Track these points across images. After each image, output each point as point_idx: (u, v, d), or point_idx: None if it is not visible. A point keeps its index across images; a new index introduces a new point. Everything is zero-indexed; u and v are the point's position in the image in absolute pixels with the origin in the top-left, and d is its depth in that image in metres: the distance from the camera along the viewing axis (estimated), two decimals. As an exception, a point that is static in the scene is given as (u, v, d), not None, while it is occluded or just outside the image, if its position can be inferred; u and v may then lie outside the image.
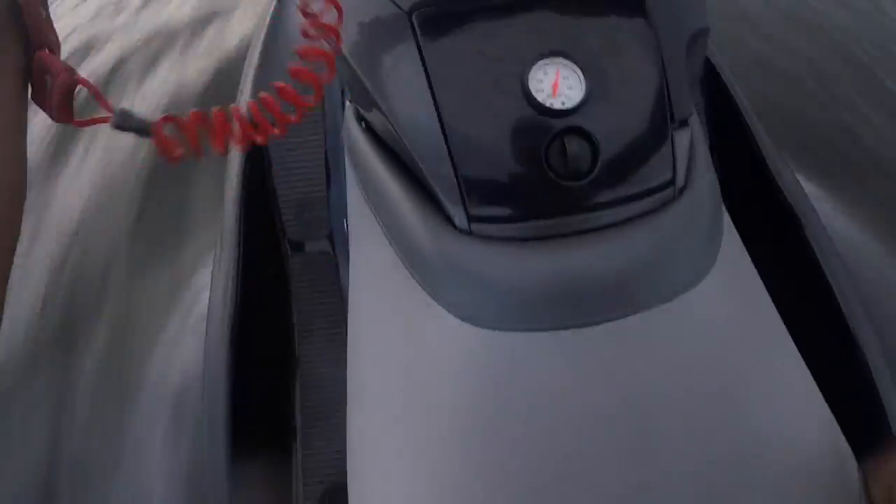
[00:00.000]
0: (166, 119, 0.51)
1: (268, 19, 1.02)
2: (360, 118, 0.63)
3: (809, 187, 0.89)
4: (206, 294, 0.89)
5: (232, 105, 0.54)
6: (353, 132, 0.62)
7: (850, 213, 1.26)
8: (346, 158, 0.67)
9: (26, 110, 0.42)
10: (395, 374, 0.53)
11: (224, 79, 1.84)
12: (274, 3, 1.00)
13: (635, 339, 0.48)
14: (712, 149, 0.88)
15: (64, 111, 0.45)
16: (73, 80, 0.46)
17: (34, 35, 0.42)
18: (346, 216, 0.71)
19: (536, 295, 0.47)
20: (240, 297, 0.82)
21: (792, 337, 0.54)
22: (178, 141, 0.50)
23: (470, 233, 0.49)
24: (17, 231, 0.39)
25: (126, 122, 0.50)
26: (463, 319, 0.48)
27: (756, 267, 0.57)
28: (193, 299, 1.24)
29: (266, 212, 0.90)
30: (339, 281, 0.86)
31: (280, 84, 0.55)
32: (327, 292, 0.87)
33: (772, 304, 0.55)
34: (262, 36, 0.96)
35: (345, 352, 0.61)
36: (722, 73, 0.94)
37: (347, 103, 0.67)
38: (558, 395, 0.48)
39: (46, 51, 0.44)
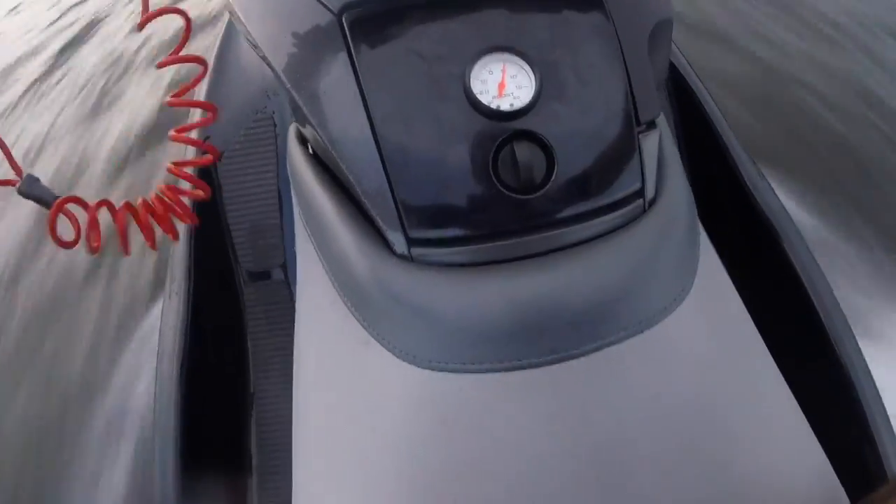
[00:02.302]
0: (69, 199, 0.48)
1: (219, 40, 0.98)
2: (301, 138, 0.57)
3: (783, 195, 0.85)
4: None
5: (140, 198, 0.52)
6: (294, 153, 0.56)
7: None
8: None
9: None
10: (337, 418, 0.47)
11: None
12: (225, 25, 0.96)
13: (604, 376, 0.41)
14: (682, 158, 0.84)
15: None
16: None
17: None
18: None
19: (488, 329, 0.40)
20: (191, 330, 0.77)
21: (775, 361, 0.48)
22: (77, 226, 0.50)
23: (411, 259, 0.42)
24: None
25: (32, 190, 0.48)
26: (405, 359, 0.42)
27: (734, 284, 0.51)
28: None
29: (218, 240, 0.85)
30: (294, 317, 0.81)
31: (166, 186, 0.54)
32: (283, 324, 0.81)
33: (754, 328, 0.49)
34: (211, 66, 0.92)
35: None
36: (688, 78, 0.89)
37: (291, 124, 0.62)
38: (516, 444, 0.41)
39: None
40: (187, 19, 0.54)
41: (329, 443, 0.48)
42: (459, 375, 0.41)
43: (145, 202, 0.53)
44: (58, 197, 0.48)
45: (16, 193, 0.48)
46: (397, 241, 0.42)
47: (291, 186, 0.60)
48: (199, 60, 0.55)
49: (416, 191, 0.42)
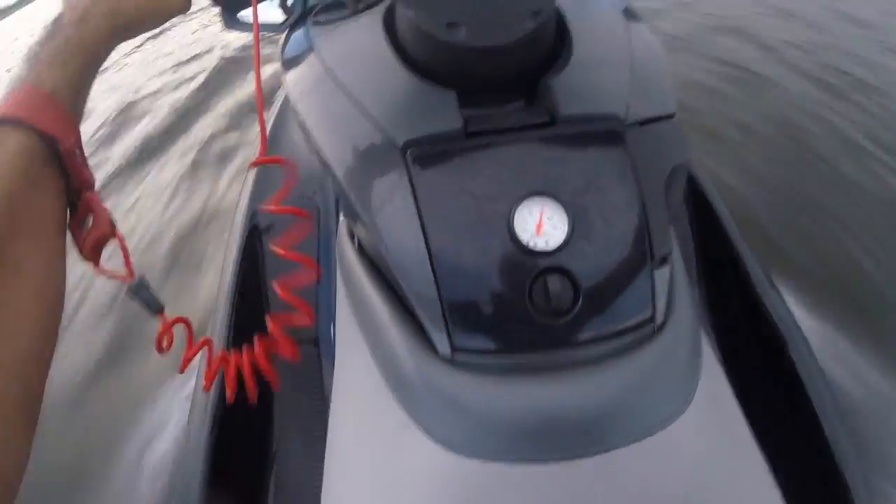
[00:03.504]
0: (179, 320, 0.53)
1: (272, 120, 1.06)
2: (352, 235, 0.65)
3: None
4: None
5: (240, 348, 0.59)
6: (345, 247, 0.64)
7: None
8: (337, 270, 0.69)
9: (65, 239, 0.46)
10: (370, 494, 0.53)
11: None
12: (279, 106, 1.04)
13: (612, 474, 0.49)
14: (697, 264, 0.90)
15: (93, 255, 0.49)
16: (109, 234, 0.49)
17: (73, 174, 0.47)
18: (333, 321, 0.72)
19: (515, 427, 0.48)
20: (223, 390, 0.82)
21: (775, 470, 0.54)
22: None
23: (452, 361, 0.50)
24: (54, 342, 0.44)
25: (140, 293, 0.53)
26: (441, 444, 0.49)
27: (741, 390, 0.57)
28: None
29: (257, 307, 0.91)
30: (323, 384, 0.86)
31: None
32: (309, 394, 0.87)
33: (751, 437, 0.55)
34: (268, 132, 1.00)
35: (323, 456, 0.60)
36: (704, 187, 0.97)
37: (342, 217, 0.69)
38: None
39: (96, 194, 0.49)
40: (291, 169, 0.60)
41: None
42: (487, 463, 0.48)
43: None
44: (162, 307, 0.52)
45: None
46: (442, 344, 0.50)
47: (339, 274, 0.67)
48: (302, 214, 0.59)
49: (461, 305, 0.50)
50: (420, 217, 0.50)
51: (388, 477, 0.52)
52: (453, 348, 0.50)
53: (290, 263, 0.92)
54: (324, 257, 0.90)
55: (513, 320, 0.49)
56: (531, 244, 0.49)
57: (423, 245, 0.50)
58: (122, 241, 0.50)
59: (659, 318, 0.53)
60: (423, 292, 0.50)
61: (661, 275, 0.53)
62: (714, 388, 0.56)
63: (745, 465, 0.54)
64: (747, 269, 0.88)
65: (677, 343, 0.53)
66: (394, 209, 0.52)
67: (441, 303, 0.49)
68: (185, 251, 2.03)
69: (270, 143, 1.00)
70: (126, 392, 1.52)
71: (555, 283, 0.48)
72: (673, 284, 0.56)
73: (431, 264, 0.49)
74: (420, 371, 0.50)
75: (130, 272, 0.52)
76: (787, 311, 0.85)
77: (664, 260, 0.54)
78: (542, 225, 0.49)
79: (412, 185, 0.51)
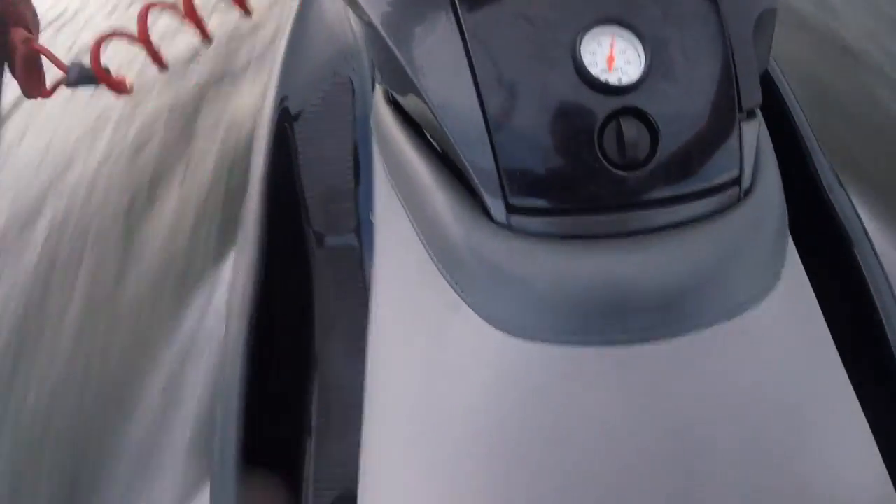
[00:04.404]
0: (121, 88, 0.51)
1: (295, 11, 0.99)
2: (390, 101, 0.58)
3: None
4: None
5: None
6: (382, 115, 0.57)
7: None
8: (374, 145, 0.62)
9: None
10: (417, 382, 0.48)
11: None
12: None
13: (687, 361, 0.42)
14: None
15: (31, 83, 0.46)
16: (30, 49, 0.46)
17: (7, 13, 0.42)
18: (372, 210, 0.67)
19: (581, 304, 0.41)
20: (260, 290, 0.78)
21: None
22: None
23: (508, 226, 0.43)
24: None
25: (81, 75, 0.50)
26: (495, 326, 0.43)
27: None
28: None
29: (292, 203, 0.86)
30: (365, 278, 0.81)
31: None
32: (351, 289, 0.82)
33: (829, 334, 0.49)
34: (290, 28, 0.93)
35: (366, 353, 0.56)
36: (773, 74, 0.87)
37: (377, 86, 0.62)
38: (596, 417, 0.42)
39: (21, 29, 0.44)
40: None
41: (404, 401, 0.49)
42: (548, 346, 0.41)
43: None
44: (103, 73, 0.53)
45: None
46: (496, 207, 0.43)
47: (376, 147, 0.61)
48: None
49: (518, 158, 0.42)
50: (468, 55, 0.43)
51: (437, 365, 0.47)
52: (509, 209, 0.42)
53: (325, 152, 0.87)
54: (361, 140, 0.84)
55: (579, 173, 0.41)
56: (602, 79, 0.41)
57: (472, 87, 0.42)
58: (41, 49, 0.47)
59: (746, 180, 0.45)
60: (474, 145, 0.43)
61: (750, 130, 0.45)
62: (795, 273, 0.49)
63: (824, 360, 0.48)
64: (815, 166, 0.80)
65: (765, 211, 0.45)
66: (439, 50, 0.45)
67: (495, 156, 0.42)
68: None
69: (302, 14, 0.92)
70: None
71: (630, 126, 0.41)
72: (759, 146, 0.48)
73: (483, 109, 0.42)
74: (471, 240, 0.43)
75: (63, 69, 0.51)
76: (854, 212, 0.77)
77: (752, 114, 0.46)
78: (613, 58, 0.41)
79: (458, 19, 0.43)
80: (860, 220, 0.77)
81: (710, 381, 0.42)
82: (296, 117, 0.87)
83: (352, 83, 0.87)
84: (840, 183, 0.80)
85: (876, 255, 0.74)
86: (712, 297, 0.42)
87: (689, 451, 0.42)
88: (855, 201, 0.80)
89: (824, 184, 0.79)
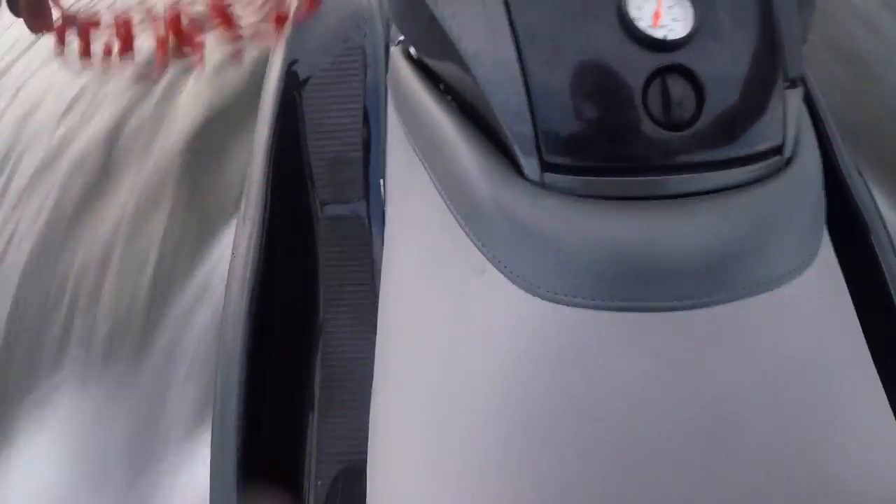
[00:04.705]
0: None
1: None
2: (410, 59, 0.56)
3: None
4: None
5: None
6: (402, 73, 0.55)
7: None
8: (389, 104, 0.60)
9: None
10: (436, 348, 0.46)
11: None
12: None
13: (723, 331, 0.40)
14: None
15: (36, 17, 0.44)
16: None
17: None
18: (382, 178, 0.65)
19: (617, 266, 0.39)
20: (263, 259, 0.77)
21: None
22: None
23: (542, 184, 0.41)
24: None
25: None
26: (523, 288, 0.41)
27: None
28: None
29: (297, 171, 0.84)
30: (371, 247, 0.80)
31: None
32: (358, 259, 0.81)
33: (856, 318, 0.48)
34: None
35: (372, 324, 0.54)
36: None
37: (394, 46, 0.60)
38: (628, 384, 0.40)
39: None
40: None
41: (419, 367, 0.47)
42: (581, 310, 0.39)
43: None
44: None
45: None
46: (529, 165, 0.41)
47: (391, 108, 0.59)
48: None
49: (556, 113, 0.40)
50: (506, 1, 0.40)
51: (460, 329, 0.45)
52: (543, 167, 0.40)
53: (333, 119, 0.85)
54: (371, 107, 0.82)
55: (620, 132, 0.40)
56: (648, 34, 0.39)
57: (510, 38, 0.40)
58: None
59: (788, 149, 0.43)
60: (509, 98, 0.41)
61: (794, 99, 0.44)
62: (827, 253, 0.48)
63: (852, 338, 0.47)
64: (834, 149, 0.80)
65: (806, 182, 0.44)
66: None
67: (531, 109, 0.40)
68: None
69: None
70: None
71: (676, 84, 0.39)
72: (801, 117, 0.47)
73: (521, 61, 0.40)
74: (501, 197, 0.41)
75: None
76: (870, 197, 0.77)
77: (794, 83, 0.44)
78: (660, 13, 0.39)
79: None
80: (877, 206, 0.77)
81: (743, 353, 0.41)
82: (304, 83, 0.85)
83: (363, 49, 0.85)
84: (858, 170, 0.79)
85: (892, 241, 0.74)
86: (751, 268, 0.41)
87: (717, 421, 0.40)
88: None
89: (843, 169, 0.78)
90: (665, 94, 0.39)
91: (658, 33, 0.39)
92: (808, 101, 0.83)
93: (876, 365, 0.50)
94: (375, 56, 0.84)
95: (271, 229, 0.78)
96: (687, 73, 0.39)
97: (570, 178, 0.41)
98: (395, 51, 0.58)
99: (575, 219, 0.40)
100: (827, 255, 0.47)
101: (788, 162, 0.44)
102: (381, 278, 0.56)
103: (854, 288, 0.66)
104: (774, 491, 0.41)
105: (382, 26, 0.83)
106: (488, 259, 0.42)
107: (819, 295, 0.44)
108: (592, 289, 0.40)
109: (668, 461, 0.40)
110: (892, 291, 0.70)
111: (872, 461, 0.44)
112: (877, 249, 0.73)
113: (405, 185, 0.54)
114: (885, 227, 0.75)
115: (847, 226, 0.75)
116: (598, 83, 0.40)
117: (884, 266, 0.71)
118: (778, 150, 0.43)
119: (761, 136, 0.42)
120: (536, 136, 0.40)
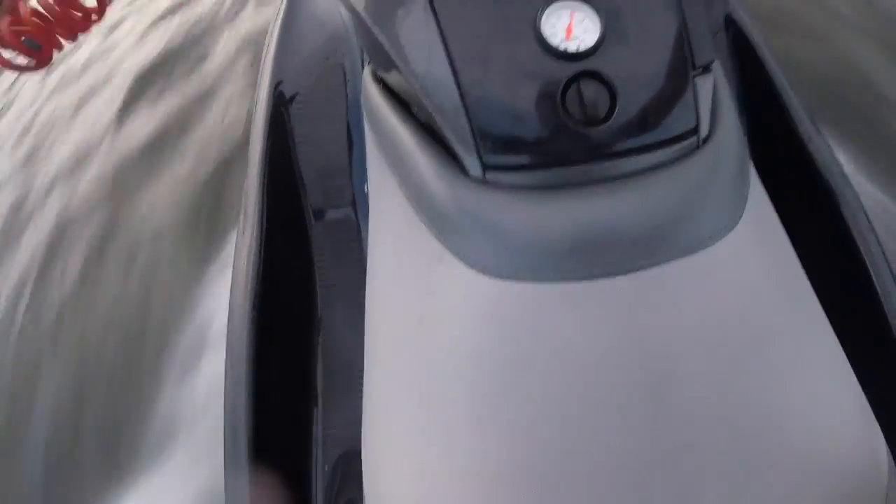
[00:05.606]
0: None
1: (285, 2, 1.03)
2: (377, 79, 0.62)
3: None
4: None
5: None
6: (371, 92, 0.62)
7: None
8: (364, 121, 0.67)
9: None
10: (408, 331, 0.53)
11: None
12: None
13: (655, 293, 0.47)
14: (740, 112, 0.86)
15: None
16: None
17: None
18: (367, 182, 0.71)
19: (553, 245, 0.46)
20: (263, 264, 0.83)
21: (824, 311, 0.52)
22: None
23: (485, 181, 0.48)
24: None
25: None
26: (478, 269, 0.48)
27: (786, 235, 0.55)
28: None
29: (290, 182, 0.91)
30: (362, 247, 0.86)
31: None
32: (349, 258, 0.87)
33: (799, 266, 0.53)
34: (281, 16, 0.97)
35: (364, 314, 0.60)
36: (749, 35, 0.91)
37: (366, 67, 0.67)
38: (571, 349, 0.47)
39: None
40: None
41: (397, 348, 0.54)
42: (525, 285, 0.46)
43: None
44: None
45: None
46: (472, 165, 0.48)
47: (366, 122, 0.65)
48: None
49: (490, 121, 0.47)
50: (441, 29, 0.47)
51: (425, 311, 0.51)
52: (484, 167, 0.47)
53: (320, 132, 0.92)
54: (353, 120, 0.89)
55: (545, 132, 0.46)
56: (562, 48, 0.46)
57: (445, 59, 0.47)
58: None
59: (703, 129, 0.50)
60: (449, 111, 0.47)
61: (704, 84, 0.50)
62: (761, 212, 0.54)
63: (793, 290, 0.52)
64: (793, 117, 0.85)
65: (723, 157, 0.50)
66: (414, 29, 0.49)
67: (469, 119, 0.47)
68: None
69: (293, 2, 0.96)
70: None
71: (588, 87, 0.46)
72: (717, 97, 0.53)
73: (457, 80, 0.47)
74: (451, 195, 0.48)
75: None
76: (835, 161, 0.82)
77: (706, 69, 0.51)
78: (571, 28, 0.46)
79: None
80: (841, 168, 0.81)
81: (683, 310, 0.47)
82: (290, 101, 0.91)
83: (343, 67, 0.91)
84: (820, 132, 0.84)
85: (859, 200, 0.79)
86: (675, 234, 0.47)
87: (654, 374, 0.46)
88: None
89: (801, 131, 0.83)
90: (580, 96, 0.46)
91: (571, 46, 0.46)
92: (762, 71, 0.88)
93: (846, 316, 0.55)
94: (354, 71, 0.90)
95: (269, 236, 0.85)
96: (598, 76, 0.46)
97: (507, 173, 0.48)
98: (367, 71, 0.65)
99: (514, 208, 0.47)
100: (759, 214, 0.53)
101: (706, 139, 0.50)
102: (367, 274, 0.62)
103: (822, 244, 0.71)
104: (713, 436, 0.46)
105: (358, 45, 0.90)
106: (446, 247, 0.49)
107: (748, 251, 0.50)
108: (531, 267, 0.47)
109: (611, 410, 0.46)
110: (859, 244, 0.75)
111: (819, 399, 0.49)
112: (846, 216, 0.77)
113: (381, 190, 0.61)
114: (847, 181, 0.79)
115: (812, 190, 0.80)
116: (524, 93, 0.47)
117: (853, 232, 0.76)
118: (692, 131, 0.49)
119: (674, 122, 0.48)
120: (476, 141, 0.47)
